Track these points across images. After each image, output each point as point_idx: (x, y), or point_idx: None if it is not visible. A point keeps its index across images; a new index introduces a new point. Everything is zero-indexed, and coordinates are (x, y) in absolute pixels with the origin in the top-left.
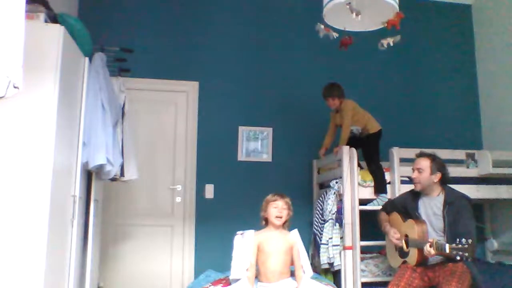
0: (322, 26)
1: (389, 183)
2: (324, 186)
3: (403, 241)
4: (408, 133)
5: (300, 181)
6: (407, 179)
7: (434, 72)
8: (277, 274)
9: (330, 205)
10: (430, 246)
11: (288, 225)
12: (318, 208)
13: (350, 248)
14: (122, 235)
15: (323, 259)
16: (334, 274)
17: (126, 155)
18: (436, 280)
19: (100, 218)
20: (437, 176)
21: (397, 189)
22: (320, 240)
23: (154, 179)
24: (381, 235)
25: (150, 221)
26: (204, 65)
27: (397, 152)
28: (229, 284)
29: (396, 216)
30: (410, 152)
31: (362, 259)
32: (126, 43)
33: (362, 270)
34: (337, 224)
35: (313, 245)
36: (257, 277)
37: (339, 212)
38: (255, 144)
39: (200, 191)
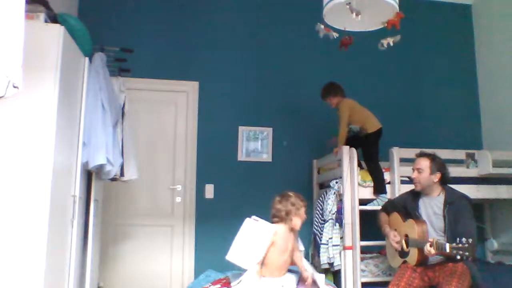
0: (322, 26)
1: (389, 183)
2: (324, 186)
3: (403, 241)
4: (408, 133)
5: (300, 181)
6: (407, 179)
7: (434, 72)
8: (283, 270)
9: (330, 205)
10: (430, 246)
11: None
12: (318, 208)
13: (350, 248)
14: (122, 235)
15: (323, 259)
16: (334, 274)
17: (126, 155)
18: (436, 280)
19: (100, 218)
20: (437, 176)
21: (397, 189)
22: (320, 240)
23: (154, 179)
24: (381, 235)
25: (150, 221)
26: (204, 65)
27: (397, 152)
28: (229, 284)
29: (396, 216)
30: (410, 152)
31: (362, 259)
32: (126, 43)
33: (362, 270)
34: (337, 224)
35: (313, 245)
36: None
37: (339, 212)
38: (255, 144)
39: (200, 191)
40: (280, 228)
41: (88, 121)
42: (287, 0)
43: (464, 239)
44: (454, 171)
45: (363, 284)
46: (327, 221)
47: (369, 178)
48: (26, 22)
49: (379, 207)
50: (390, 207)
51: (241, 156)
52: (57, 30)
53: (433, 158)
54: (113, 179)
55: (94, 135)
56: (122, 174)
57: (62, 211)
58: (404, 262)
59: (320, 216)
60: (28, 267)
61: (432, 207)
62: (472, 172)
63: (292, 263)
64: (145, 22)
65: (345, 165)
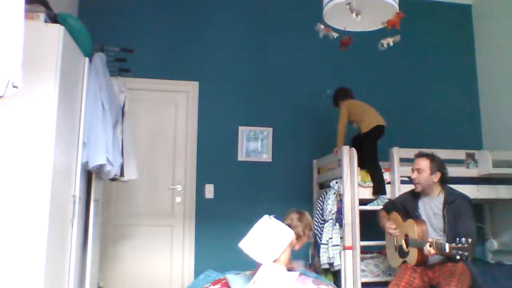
0: (322, 26)
1: (389, 183)
2: (324, 186)
3: (403, 240)
4: (408, 133)
5: (300, 181)
6: (407, 179)
7: (434, 72)
8: None
9: (330, 205)
10: (430, 246)
11: None
12: (318, 208)
13: (350, 248)
14: (122, 235)
15: (323, 259)
16: (334, 274)
17: (126, 155)
18: (436, 280)
19: (100, 218)
20: (437, 176)
21: (397, 189)
22: (320, 240)
23: (154, 179)
24: (381, 235)
25: (150, 221)
26: (204, 65)
27: (397, 152)
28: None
29: (396, 216)
30: (410, 152)
31: (362, 259)
32: (126, 43)
33: (362, 270)
34: (337, 224)
35: (313, 245)
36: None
37: (339, 212)
38: (255, 144)
39: (200, 191)
40: (294, 240)
41: (88, 121)
42: (287, 0)
43: (463, 239)
44: (454, 171)
45: (363, 284)
46: (327, 221)
47: (369, 178)
48: (26, 22)
49: (379, 207)
50: (390, 207)
51: (241, 156)
52: (57, 30)
53: (432, 158)
54: (113, 179)
55: (94, 135)
56: (122, 174)
57: (62, 211)
58: (404, 262)
59: (320, 216)
60: (28, 267)
61: (432, 207)
62: (472, 172)
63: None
64: (145, 22)
65: (345, 165)
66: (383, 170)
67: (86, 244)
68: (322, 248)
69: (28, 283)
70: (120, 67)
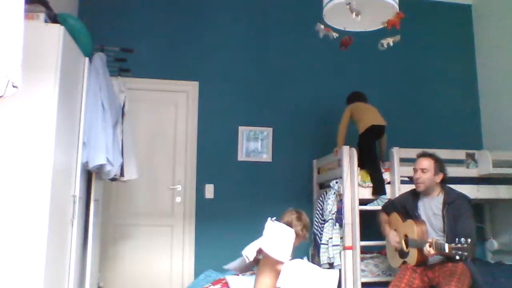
0: (322, 26)
1: (388, 183)
2: (324, 186)
3: (403, 241)
4: (408, 133)
5: (300, 181)
6: (407, 179)
7: (434, 72)
8: None
9: (330, 205)
10: (430, 246)
11: None
12: (318, 208)
13: (350, 248)
14: (122, 235)
15: (323, 259)
16: None
17: (126, 155)
18: (436, 280)
19: (100, 218)
20: (439, 177)
21: (397, 189)
22: (320, 240)
23: (154, 179)
24: (381, 235)
25: (150, 221)
26: (204, 65)
27: (397, 152)
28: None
29: (395, 216)
30: (410, 152)
31: (362, 259)
32: (126, 43)
33: (362, 270)
34: (337, 224)
35: (313, 245)
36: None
37: (339, 212)
38: (255, 144)
39: (200, 191)
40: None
41: (88, 121)
42: (287, 0)
43: (463, 239)
44: (454, 171)
45: (363, 284)
46: (327, 221)
47: (369, 178)
48: (26, 22)
49: (379, 207)
50: (389, 207)
51: (241, 156)
52: (57, 30)
53: (436, 158)
54: (113, 179)
55: (94, 135)
56: (122, 174)
57: (62, 211)
58: (404, 262)
59: (320, 216)
60: (28, 267)
61: (432, 207)
62: (472, 172)
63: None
64: (145, 22)
65: (345, 165)
66: (383, 170)
67: (86, 244)
68: (322, 248)
69: (28, 283)
70: (120, 67)
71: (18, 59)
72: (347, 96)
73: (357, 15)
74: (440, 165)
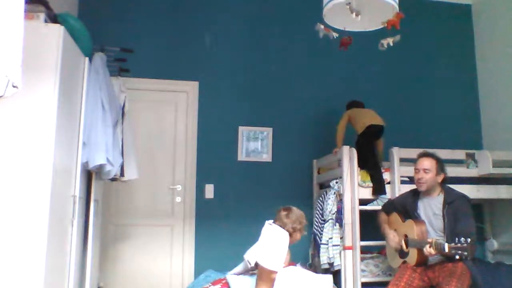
0: (322, 26)
1: (388, 183)
2: (324, 186)
3: (403, 241)
4: (408, 133)
5: (300, 181)
6: (407, 179)
7: (434, 72)
8: None
9: (330, 205)
10: (430, 246)
11: None
12: (318, 208)
13: (350, 248)
14: (122, 235)
15: (323, 259)
16: (334, 274)
17: (126, 155)
18: (436, 280)
19: (100, 218)
20: (441, 177)
21: (397, 189)
22: (320, 240)
23: (154, 179)
24: (381, 235)
25: (150, 221)
26: (204, 65)
27: (397, 152)
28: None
29: (395, 216)
30: (410, 152)
31: (362, 259)
32: (126, 43)
33: (362, 270)
34: (337, 224)
35: (313, 245)
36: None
37: (339, 212)
38: (255, 144)
39: (200, 191)
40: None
41: (88, 121)
42: (287, 0)
43: (463, 239)
44: (454, 171)
45: (363, 284)
46: (327, 221)
47: (369, 178)
48: (26, 22)
49: (379, 207)
50: (389, 207)
51: (241, 156)
52: (57, 30)
53: (437, 158)
54: (113, 179)
55: (94, 135)
56: (122, 174)
57: (62, 211)
58: (404, 262)
59: (320, 216)
60: (28, 267)
61: (432, 207)
62: (472, 172)
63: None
64: (145, 22)
65: (345, 165)
66: (383, 170)
67: (86, 244)
68: (322, 248)
69: (28, 283)
70: (120, 67)
71: (18, 59)
72: (347, 103)
73: (357, 15)
74: (441, 165)
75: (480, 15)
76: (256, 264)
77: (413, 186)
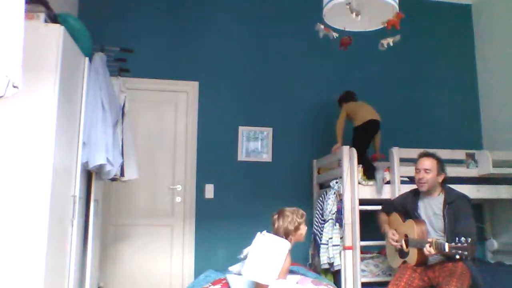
0: (322, 26)
1: (388, 182)
2: (324, 186)
3: (403, 241)
4: (408, 133)
5: (300, 181)
6: (407, 179)
7: (434, 72)
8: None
9: (330, 205)
10: (430, 246)
11: None
12: (318, 208)
13: (350, 248)
14: (122, 235)
15: (323, 259)
16: (334, 274)
17: (126, 155)
18: (436, 280)
19: (100, 218)
20: (441, 177)
21: (397, 189)
22: (320, 240)
23: (154, 179)
24: (381, 235)
25: (150, 221)
26: (204, 65)
27: (397, 152)
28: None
29: (395, 216)
30: (410, 152)
31: (362, 259)
32: (126, 43)
33: (362, 270)
34: (337, 224)
35: (313, 245)
36: None
37: (339, 212)
38: (255, 144)
39: (200, 191)
40: (290, 245)
41: (88, 121)
42: (287, 0)
43: (463, 239)
44: (454, 171)
45: (363, 284)
46: (327, 221)
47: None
48: (26, 22)
49: (379, 207)
50: (389, 207)
51: (241, 156)
52: (57, 30)
53: (438, 158)
54: (113, 179)
55: (94, 135)
56: (122, 174)
57: (62, 211)
58: (404, 262)
59: (320, 216)
60: (28, 267)
61: (432, 207)
62: (472, 172)
63: None
64: (145, 22)
65: (345, 165)
66: (383, 170)
67: (86, 244)
68: (322, 248)
69: (28, 283)
70: (120, 67)
71: (18, 59)
72: (340, 96)
73: (357, 15)
74: (442, 165)
75: (480, 15)
76: None
77: (413, 186)
